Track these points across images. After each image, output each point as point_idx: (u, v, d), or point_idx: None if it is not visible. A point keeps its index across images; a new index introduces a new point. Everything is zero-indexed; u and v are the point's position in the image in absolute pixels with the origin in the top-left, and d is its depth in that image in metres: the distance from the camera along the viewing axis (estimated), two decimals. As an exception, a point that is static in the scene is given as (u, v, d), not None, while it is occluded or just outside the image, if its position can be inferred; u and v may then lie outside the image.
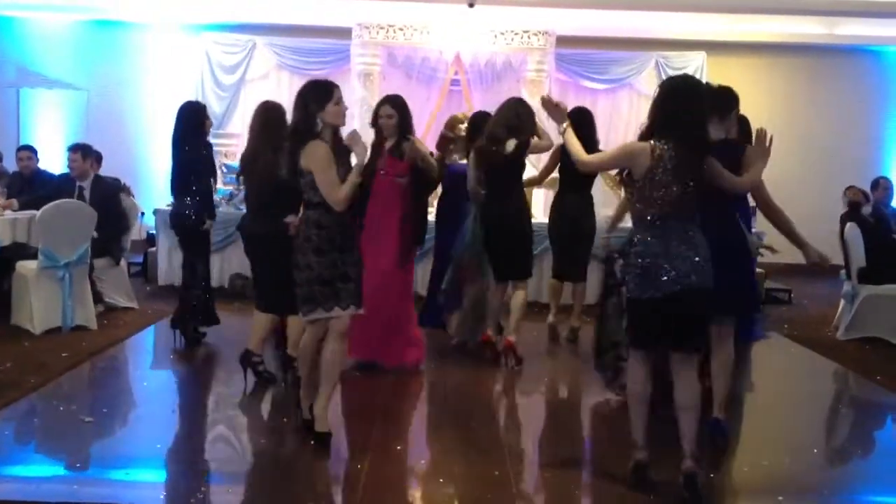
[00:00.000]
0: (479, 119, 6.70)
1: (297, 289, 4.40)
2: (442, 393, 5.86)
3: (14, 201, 7.50)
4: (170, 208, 6.82)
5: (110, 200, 7.63)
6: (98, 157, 8.08)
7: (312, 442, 4.46)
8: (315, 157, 4.29)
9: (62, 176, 8.05)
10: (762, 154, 4.34)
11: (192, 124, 6.35)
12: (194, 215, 6.33)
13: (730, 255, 4.34)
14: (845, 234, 7.55)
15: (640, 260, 3.89)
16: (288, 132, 4.52)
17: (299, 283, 4.38)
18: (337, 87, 4.44)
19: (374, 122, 6.00)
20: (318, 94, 4.37)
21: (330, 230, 4.34)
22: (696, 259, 3.84)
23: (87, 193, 7.57)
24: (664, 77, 11.02)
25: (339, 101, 4.39)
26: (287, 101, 11.03)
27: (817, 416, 5.73)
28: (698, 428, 3.96)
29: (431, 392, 5.90)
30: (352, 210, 4.48)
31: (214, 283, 7.27)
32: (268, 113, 5.69)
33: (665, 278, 3.82)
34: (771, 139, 4.36)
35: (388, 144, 5.90)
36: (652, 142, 3.85)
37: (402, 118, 5.87)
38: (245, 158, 5.74)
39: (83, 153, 7.61)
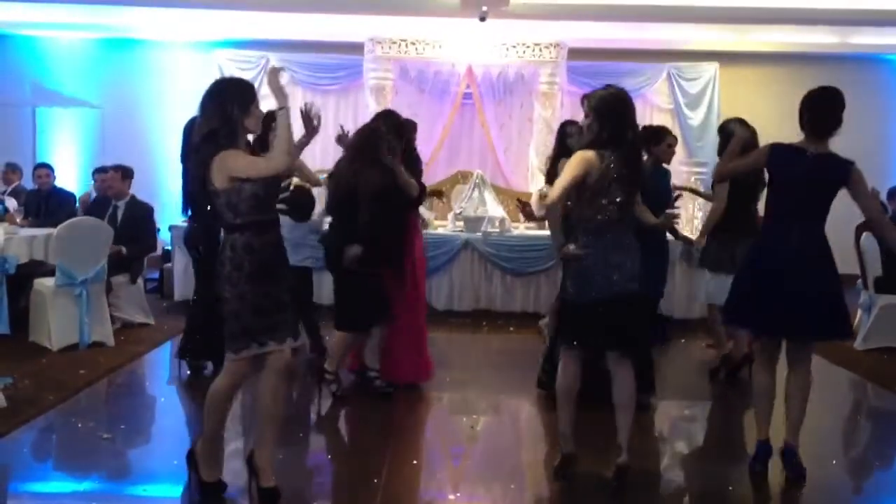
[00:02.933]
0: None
1: (224, 324, 3.82)
2: (457, 407, 5.85)
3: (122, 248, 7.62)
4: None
5: (143, 221, 7.78)
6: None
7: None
8: (234, 163, 3.70)
9: (98, 195, 8.24)
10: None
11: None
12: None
13: (822, 272, 4.32)
14: (861, 244, 7.52)
15: (580, 265, 4.10)
16: (199, 139, 3.78)
17: (227, 317, 3.80)
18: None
19: None
20: (243, 97, 3.77)
21: (263, 253, 3.80)
22: (630, 267, 4.12)
23: (120, 213, 7.70)
24: (677, 88, 11.10)
25: (259, 105, 3.85)
26: (299, 116, 11.06)
27: (836, 427, 5.69)
28: (632, 423, 4.20)
29: (446, 407, 5.90)
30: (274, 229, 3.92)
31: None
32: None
33: (602, 284, 4.07)
34: None
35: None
36: (600, 152, 4.05)
37: (393, 132, 5.85)
38: None
39: (123, 174, 7.82)
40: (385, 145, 5.51)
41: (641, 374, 5.58)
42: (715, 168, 5.09)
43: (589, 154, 4.06)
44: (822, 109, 4.38)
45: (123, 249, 7.37)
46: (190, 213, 6.22)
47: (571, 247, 4.11)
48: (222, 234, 3.93)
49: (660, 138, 5.92)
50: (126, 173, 7.88)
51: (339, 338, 5.65)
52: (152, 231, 8.10)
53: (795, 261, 4.27)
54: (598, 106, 4.12)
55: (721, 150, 6.13)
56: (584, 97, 4.26)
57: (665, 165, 6.00)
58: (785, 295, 4.25)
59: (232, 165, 3.69)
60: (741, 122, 6.18)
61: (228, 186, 3.71)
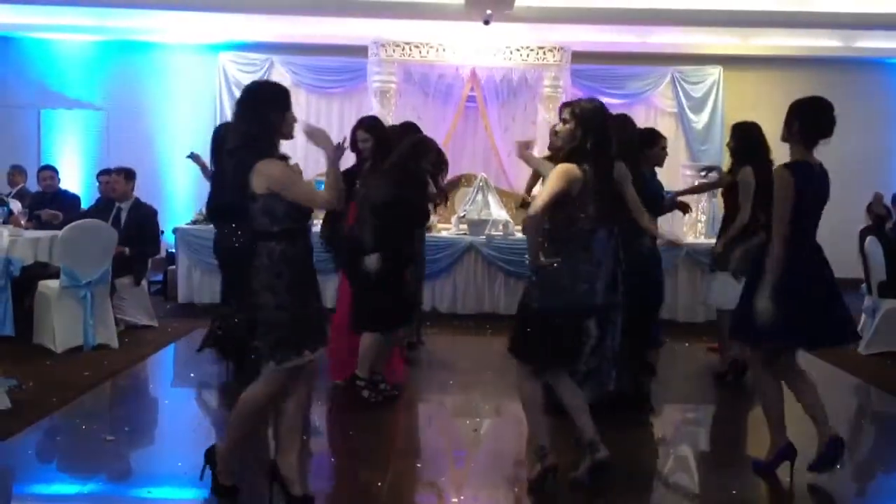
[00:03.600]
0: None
1: (265, 335, 3.73)
2: (460, 410, 5.85)
3: (55, 213, 7.64)
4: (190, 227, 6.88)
5: (147, 223, 7.77)
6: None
7: None
8: (275, 175, 3.64)
9: (101, 197, 8.19)
10: None
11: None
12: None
13: (831, 280, 4.35)
14: (865, 248, 7.51)
15: (551, 274, 4.05)
16: (236, 143, 3.73)
17: (266, 328, 3.72)
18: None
19: (354, 147, 6.04)
20: (280, 102, 3.73)
21: (298, 262, 3.75)
22: (602, 280, 4.10)
23: (123, 215, 7.69)
24: (681, 92, 11.11)
25: (293, 111, 3.82)
26: (304, 119, 11.11)
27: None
28: (592, 419, 4.17)
29: (449, 410, 5.90)
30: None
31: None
32: None
33: (570, 296, 4.04)
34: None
35: (366, 166, 5.84)
36: (582, 166, 4.02)
37: (377, 140, 5.84)
38: None
39: (126, 176, 7.80)
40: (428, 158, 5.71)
41: (639, 388, 5.54)
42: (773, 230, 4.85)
43: (572, 167, 4.02)
44: (816, 120, 4.31)
45: (127, 250, 7.39)
46: (217, 219, 6.11)
47: (542, 257, 4.08)
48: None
49: (654, 141, 5.94)
50: (129, 175, 7.87)
51: (367, 341, 5.54)
52: (155, 234, 8.09)
53: (812, 272, 4.29)
54: (583, 115, 4.10)
55: (735, 150, 6.15)
56: (565, 105, 4.33)
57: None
58: (807, 306, 4.24)
59: (277, 177, 3.64)
60: (745, 130, 6.20)
61: (268, 192, 3.66)
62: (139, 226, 7.72)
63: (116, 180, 7.83)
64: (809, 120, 4.29)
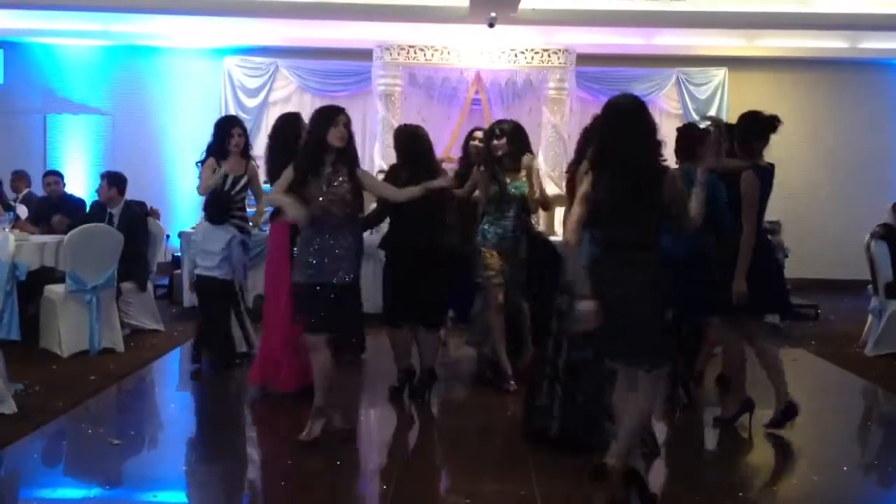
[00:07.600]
0: None
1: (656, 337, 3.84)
2: (461, 411, 5.83)
3: (64, 219, 7.63)
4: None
5: (135, 226, 7.65)
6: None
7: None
8: (676, 187, 3.89)
9: (95, 202, 8.11)
10: None
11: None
12: None
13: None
14: (871, 250, 7.48)
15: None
16: (636, 155, 3.89)
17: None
18: None
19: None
20: None
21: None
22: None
23: (115, 220, 7.64)
24: (686, 93, 11.09)
25: None
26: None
27: (846, 433, 5.66)
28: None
29: (449, 411, 5.89)
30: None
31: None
32: None
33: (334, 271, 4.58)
34: None
35: None
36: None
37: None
38: None
39: (109, 181, 7.69)
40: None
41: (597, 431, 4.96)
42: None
43: None
44: (770, 131, 5.12)
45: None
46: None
47: None
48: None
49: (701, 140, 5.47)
50: (113, 180, 7.68)
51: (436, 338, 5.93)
52: (144, 235, 7.92)
53: (768, 254, 5.15)
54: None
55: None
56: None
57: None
58: (770, 280, 5.05)
59: (678, 189, 3.90)
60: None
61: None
62: (128, 230, 7.50)
63: (102, 186, 7.69)
64: (767, 133, 5.17)
